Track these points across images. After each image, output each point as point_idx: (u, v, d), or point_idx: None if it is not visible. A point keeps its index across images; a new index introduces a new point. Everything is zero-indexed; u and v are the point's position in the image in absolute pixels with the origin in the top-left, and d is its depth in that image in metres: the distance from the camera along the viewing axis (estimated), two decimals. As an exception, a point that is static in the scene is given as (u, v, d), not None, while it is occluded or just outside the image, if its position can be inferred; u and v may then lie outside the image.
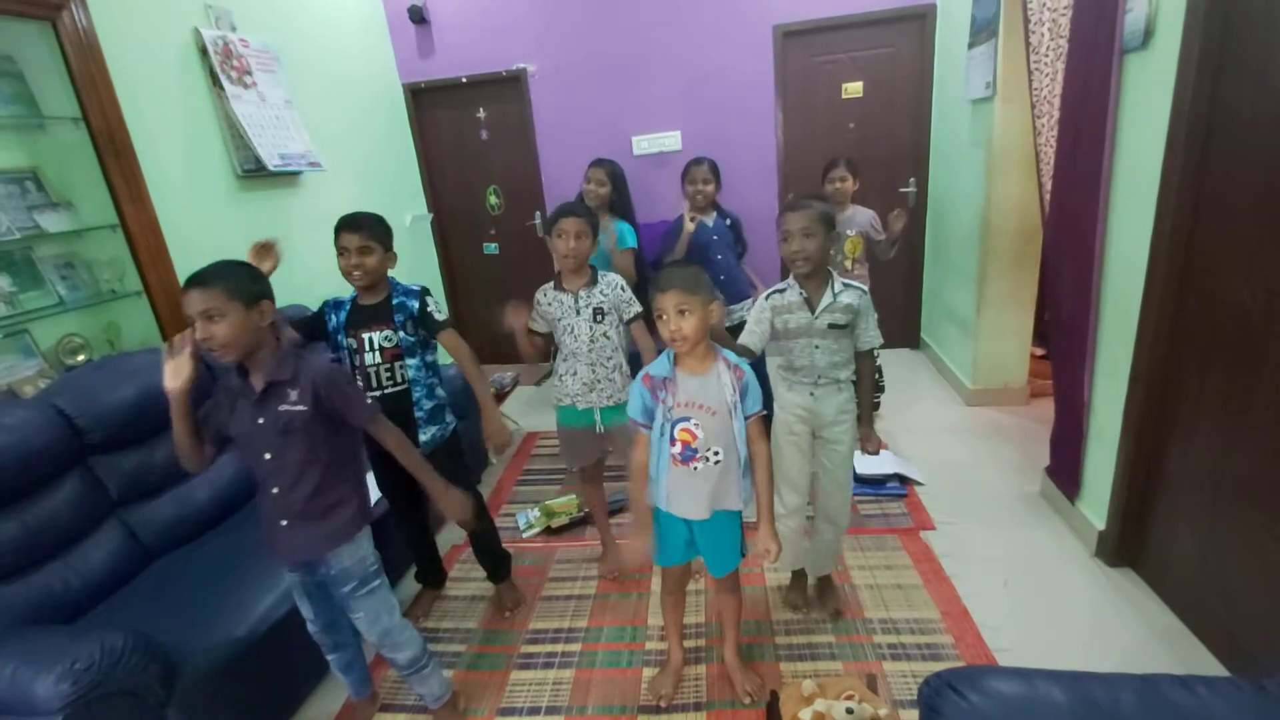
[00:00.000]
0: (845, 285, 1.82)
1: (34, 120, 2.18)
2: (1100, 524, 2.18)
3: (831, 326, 1.79)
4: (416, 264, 4.39)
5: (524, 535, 2.64)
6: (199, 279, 1.37)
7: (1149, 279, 1.87)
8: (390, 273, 1.94)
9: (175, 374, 1.41)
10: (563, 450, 2.29)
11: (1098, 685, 1.07)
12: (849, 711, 1.53)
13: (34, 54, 2.13)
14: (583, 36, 4.07)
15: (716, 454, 1.54)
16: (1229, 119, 1.62)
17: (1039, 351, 3.45)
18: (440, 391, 2.03)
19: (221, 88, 2.68)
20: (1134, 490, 2.05)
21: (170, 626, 1.59)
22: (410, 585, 2.35)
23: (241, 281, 1.40)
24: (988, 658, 1.83)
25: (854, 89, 4.02)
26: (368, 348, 1.89)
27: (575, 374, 2.07)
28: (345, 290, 1.94)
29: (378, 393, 1.90)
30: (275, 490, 1.49)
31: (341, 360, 1.92)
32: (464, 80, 4.25)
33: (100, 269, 2.32)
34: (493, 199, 4.56)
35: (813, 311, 1.80)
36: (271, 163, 2.83)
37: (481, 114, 4.39)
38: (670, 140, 4.17)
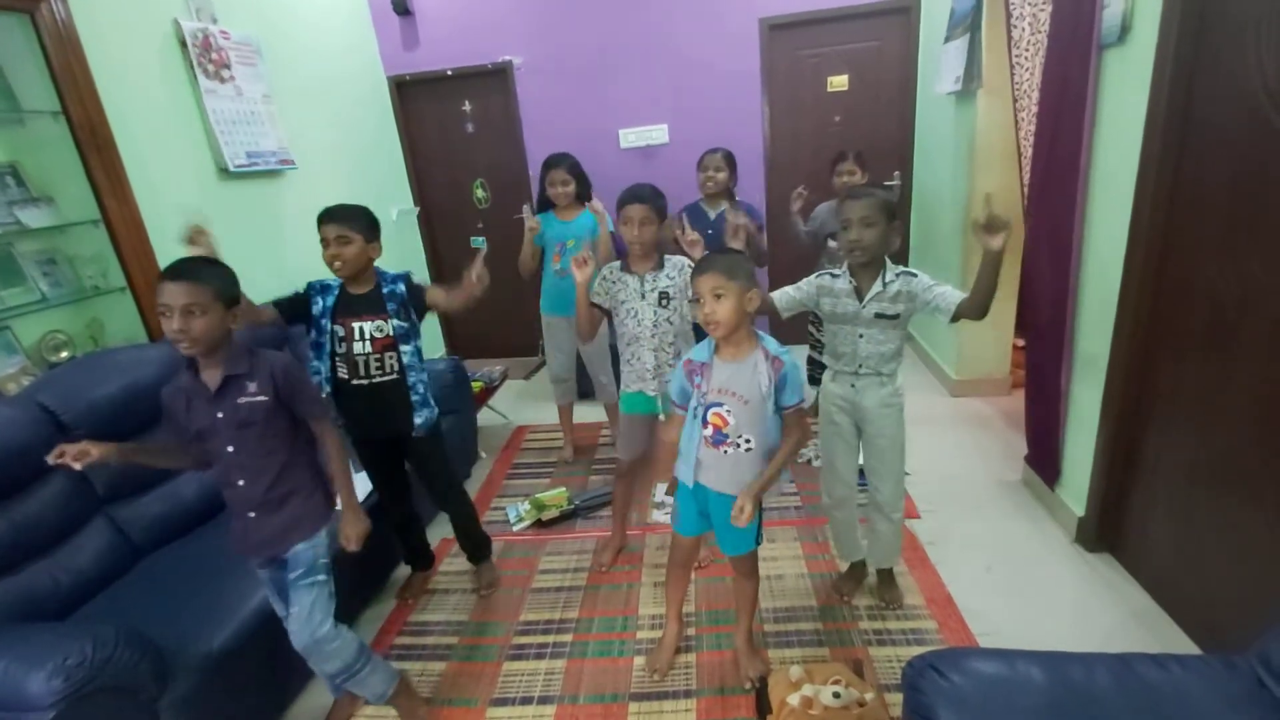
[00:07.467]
0: (898, 273, 1.74)
1: (13, 114, 2.15)
2: (1080, 510, 2.22)
3: (879, 316, 1.74)
4: (403, 258, 4.36)
5: (514, 529, 2.64)
6: (187, 273, 1.37)
7: (1127, 269, 1.91)
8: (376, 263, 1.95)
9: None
10: (621, 439, 2.26)
11: (1075, 664, 1.10)
12: (836, 695, 1.57)
13: (12, 47, 2.10)
14: (569, 29, 4.06)
15: (748, 441, 1.55)
16: (1204, 113, 1.66)
17: (1020, 342, 3.50)
18: (426, 378, 2.06)
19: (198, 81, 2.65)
20: (1112, 477, 2.09)
21: (161, 623, 1.59)
22: (403, 571, 2.39)
23: (226, 283, 1.43)
24: (971, 642, 1.87)
25: (839, 82, 4.04)
26: (357, 337, 1.90)
27: (639, 359, 2.04)
28: (332, 278, 1.93)
29: (365, 381, 1.92)
30: (241, 483, 1.51)
31: (323, 345, 1.91)
32: (449, 73, 4.23)
33: (83, 265, 2.30)
34: (480, 192, 4.54)
35: (860, 300, 1.76)
36: (234, 162, 2.77)
37: (467, 107, 4.36)
38: (657, 134, 4.17)
